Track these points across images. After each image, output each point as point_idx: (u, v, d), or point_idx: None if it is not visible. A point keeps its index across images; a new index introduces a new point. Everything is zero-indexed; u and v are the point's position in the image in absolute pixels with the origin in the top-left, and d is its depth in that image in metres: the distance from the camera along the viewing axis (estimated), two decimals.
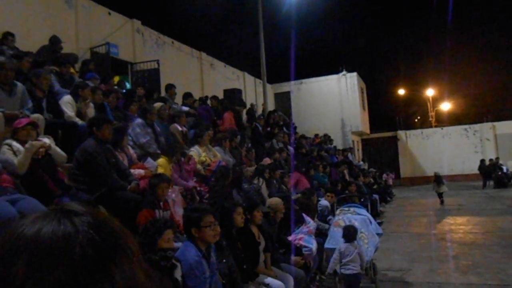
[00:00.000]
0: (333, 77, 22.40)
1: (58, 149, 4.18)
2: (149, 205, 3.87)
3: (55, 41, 8.36)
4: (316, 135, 17.48)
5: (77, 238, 0.58)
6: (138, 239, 2.68)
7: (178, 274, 2.68)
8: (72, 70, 7.97)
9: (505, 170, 18.63)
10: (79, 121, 5.32)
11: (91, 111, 5.74)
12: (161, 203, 4.01)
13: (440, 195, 13.45)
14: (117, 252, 0.61)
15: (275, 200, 5.24)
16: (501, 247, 7.08)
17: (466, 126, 24.06)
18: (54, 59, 7.64)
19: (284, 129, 14.61)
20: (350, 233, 4.79)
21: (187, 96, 10.34)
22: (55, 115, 5.35)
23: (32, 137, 3.77)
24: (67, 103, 5.36)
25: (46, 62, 7.02)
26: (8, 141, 3.79)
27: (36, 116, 4.68)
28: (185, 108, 9.24)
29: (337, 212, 5.98)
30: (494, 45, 48.89)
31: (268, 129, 12.80)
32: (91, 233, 0.60)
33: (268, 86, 19.50)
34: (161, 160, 5.31)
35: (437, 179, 13.55)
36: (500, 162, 19.37)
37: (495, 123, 23.35)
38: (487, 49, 46.01)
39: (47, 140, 3.94)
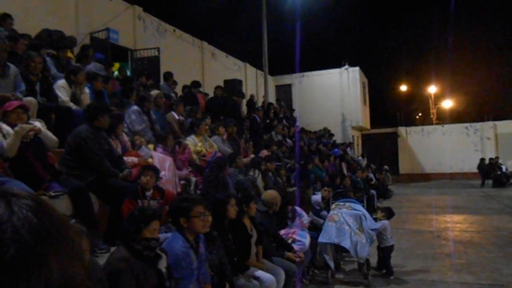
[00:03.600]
0: (335, 71, 22.25)
1: (49, 133, 4.10)
2: (131, 195, 3.80)
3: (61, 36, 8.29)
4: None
5: (10, 220, 0.53)
6: (123, 226, 2.62)
7: (162, 265, 2.62)
8: (69, 54, 7.87)
9: (504, 170, 18.58)
10: (73, 106, 5.23)
11: (86, 96, 5.65)
12: (149, 193, 3.94)
13: None
14: (57, 241, 0.56)
15: (270, 194, 5.14)
16: (496, 247, 7.03)
17: (467, 124, 23.95)
18: (50, 42, 7.55)
19: (284, 121, 14.54)
20: (391, 212, 5.99)
21: (196, 85, 10.31)
22: (49, 99, 5.26)
23: (22, 120, 3.69)
24: (61, 87, 5.27)
25: (42, 45, 6.92)
26: None
27: (29, 99, 4.60)
28: None
29: (333, 206, 5.93)
30: (497, 43, 48.59)
31: (268, 121, 12.73)
32: (30, 217, 0.55)
33: (270, 78, 19.37)
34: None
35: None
36: (500, 161, 19.31)
37: (496, 122, 23.25)
38: (490, 48, 45.80)
39: (38, 124, 3.86)
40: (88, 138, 4.17)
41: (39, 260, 0.53)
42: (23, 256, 0.52)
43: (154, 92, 7.01)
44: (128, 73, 11.38)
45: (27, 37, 7.63)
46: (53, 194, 3.62)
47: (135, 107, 5.99)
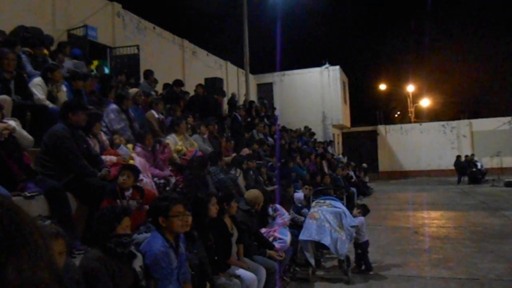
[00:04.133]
0: (316, 70, 22.41)
1: (24, 132, 4.00)
2: (109, 195, 3.75)
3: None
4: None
5: None
6: (95, 227, 2.59)
7: (137, 264, 2.60)
8: (45, 51, 7.68)
9: (479, 167, 19.07)
10: (49, 104, 5.11)
11: (63, 95, 5.53)
12: (128, 193, 3.88)
13: None
14: (18, 244, 0.55)
15: (253, 193, 5.13)
16: (472, 242, 7.22)
17: (444, 123, 24.50)
18: (25, 39, 7.35)
19: (265, 120, 14.56)
20: (366, 209, 6.15)
21: (166, 86, 10.18)
22: (25, 98, 5.13)
23: None
24: (37, 85, 5.14)
25: (17, 42, 6.74)
26: None
27: (3, 97, 4.48)
28: None
29: (313, 204, 5.97)
30: (472, 44, 49.83)
31: (249, 119, 12.73)
32: None
33: (251, 76, 19.38)
34: None
35: None
36: (475, 158, 19.81)
37: (472, 121, 23.86)
38: (467, 49, 46.95)
39: (12, 123, 3.76)
40: (65, 137, 4.08)
41: None
42: None
43: (133, 90, 6.91)
44: (107, 70, 11.20)
45: (1, 33, 7.43)
46: (28, 194, 3.54)
47: (113, 106, 5.90)
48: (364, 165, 19.73)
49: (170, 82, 10.72)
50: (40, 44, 7.28)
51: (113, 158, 4.65)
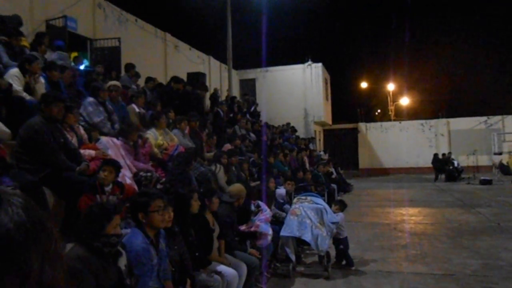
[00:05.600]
0: (298, 67, 22.48)
1: (1, 125, 3.87)
2: (89, 189, 3.67)
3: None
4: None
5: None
6: (81, 225, 2.50)
7: (122, 262, 2.54)
8: (24, 42, 7.46)
9: (456, 165, 19.50)
10: (26, 96, 4.97)
11: (41, 87, 5.38)
12: (108, 188, 3.81)
13: None
14: (42, 239, 0.56)
15: (237, 187, 5.14)
16: (448, 238, 7.39)
17: (423, 121, 24.96)
18: (3, 28, 7.11)
19: (247, 116, 14.54)
20: (344, 204, 6.20)
21: (149, 80, 10.02)
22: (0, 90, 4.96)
23: None
24: (13, 76, 4.98)
25: None
26: None
27: None
28: None
29: (294, 200, 6.00)
30: (452, 44, 50.86)
31: (231, 115, 12.68)
32: (20, 213, 0.55)
33: (234, 72, 19.29)
34: None
35: None
36: (452, 157, 20.27)
37: (450, 119, 24.37)
38: (446, 48, 47.87)
39: None
40: (42, 130, 3.97)
41: (21, 256, 0.52)
42: (6, 250, 0.51)
43: (109, 83, 6.76)
44: (87, 63, 10.96)
45: None
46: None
47: (90, 99, 5.75)
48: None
49: (153, 76, 10.56)
50: (17, 33, 7.05)
51: (92, 153, 4.55)
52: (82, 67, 9.16)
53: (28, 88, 5.19)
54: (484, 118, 23.67)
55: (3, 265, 0.50)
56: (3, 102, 4.66)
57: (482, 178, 16.89)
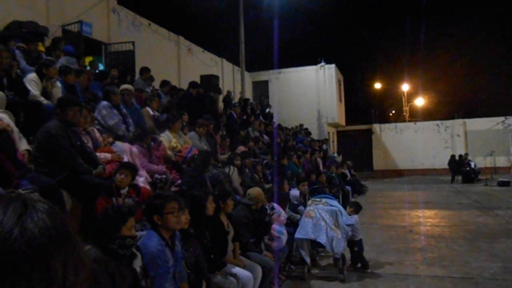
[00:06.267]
0: (311, 68, 22.41)
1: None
2: (106, 192, 3.71)
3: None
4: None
5: (23, 221, 0.55)
6: (97, 227, 2.53)
7: (137, 264, 2.56)
8: (40, 47, 7.60)
9: (472, 166, 19.17)
10: (44, 101, 5.05)
11: (57, 91, 5.47)
12: (124, 191, 3.85)
13: None
14: (66, 245, 0.57)
15: (257, 191, 5.15)
16: (466, 241, 7.26)
17: (438, 122, 24.60)
18: (21, 34, 7.27)
19: (261, 117, 14.55)
20: (359, 206, 6.12)
21: (164, 83, 10.11)
22: (19, 94, 5.06)
23: None
24: (31, 81, 5.07)
25: (11, 37, 6.66)
26: None
27: None
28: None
29: (309, 202, 5.97)
30: (467, 44, 50.13)
31: (244, 117, 12.70)
32: (45, 219, 0.57)
33: (246, 74, 19.33)
34: None
35: None
36: (469, 158, 19.92)
37: (466, 120, 23.97)
38: (462, 48, 47.22)
39: (5, 117, 3.70)
40: (58, 134, 4.03)
41: (46, 261, 0.53)
42: (31, 255, 0.52)
43: (122, 86, 6.83)
44: (102, 67, 11.11)
45: None
46: (22, 191, 3.49)
47: (104, 102, 5.82)
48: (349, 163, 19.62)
49: (166, 79, 10.66)
50: (34, 39, 7.19)
51: (108, 156, 4.60)
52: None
53: (45, 93, 5.29)
54: (502, 118, 23.21)
55: (29, 270, 0.51)
56: (21, 107, 4.74)
57: (500, 179, 16.56)
